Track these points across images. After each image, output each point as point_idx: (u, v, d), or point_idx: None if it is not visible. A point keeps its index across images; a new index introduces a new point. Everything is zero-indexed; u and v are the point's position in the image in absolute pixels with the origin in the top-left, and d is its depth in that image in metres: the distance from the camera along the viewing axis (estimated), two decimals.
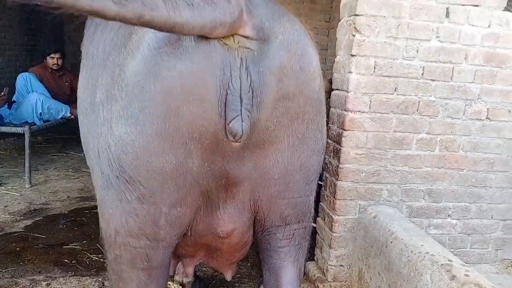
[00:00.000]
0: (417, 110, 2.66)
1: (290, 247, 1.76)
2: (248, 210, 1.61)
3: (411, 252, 2.17)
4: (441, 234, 2.87)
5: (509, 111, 2.76)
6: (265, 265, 1.83)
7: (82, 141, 1.76)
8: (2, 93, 5.60)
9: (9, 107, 5.68)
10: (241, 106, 1.32)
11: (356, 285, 2.74)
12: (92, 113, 1.53)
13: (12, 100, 5.87)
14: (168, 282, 2.44)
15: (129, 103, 1.32)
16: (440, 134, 2.72)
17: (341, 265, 2.83)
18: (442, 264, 1.98)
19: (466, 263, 2.85)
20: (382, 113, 2.63)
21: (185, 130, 1.32)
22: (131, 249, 1.49)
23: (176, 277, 2.79)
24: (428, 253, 2.11)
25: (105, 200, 1.48)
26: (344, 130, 2.62)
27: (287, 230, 1.71)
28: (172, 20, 1.15)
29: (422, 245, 2.19)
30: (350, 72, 2.55)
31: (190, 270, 2.08)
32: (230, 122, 1.33)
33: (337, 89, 2.72)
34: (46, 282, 2.98)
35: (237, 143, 1.38)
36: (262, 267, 1.87)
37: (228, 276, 2.11)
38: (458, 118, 2.72)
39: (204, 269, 3.26)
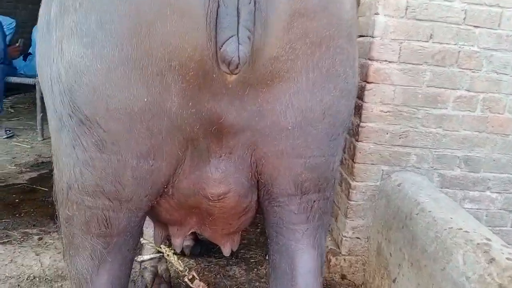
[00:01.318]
0: (456, 62, 2.29)
1: (308, 225, 1.39)
2: (248, 169, 1.28)
3: (441, 227, 1.83)
4: (478, 209, 2.52)
5: None
6: (274, 245, 1.46)
7: (37, 71, 1.46)
8: (17, 44, 5.45)
9: (25, 59, 5.57)
10: (238, 22, 0.98)
11: (374, 260, 2.42)
12: (47, 33, 1.21)
13: (28, 52, 5.76)
14: (161, 245, 2.17)
15: (84, 16, 1.00)
16: (483, 92, 2.34)
17: (358, 238, 2.53)
18: (478, 244, 1.64)
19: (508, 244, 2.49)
20: (413, 64, 2.27)
21: (160, 55, 0.99)
22: (85, 209, 1.20)
23: None
24: (461, 229, 1.76)
25: (58, 146, 1.19)
26: (368, 82, 2.28)
27: (304, 201, 1.34)
28: None
29: (453, 220, 1.84)
30: (377, 14, 2.19)
31: (178, 242, 1.71)
32: (222, 44, 0.99)
33: (360, 35, 2.34)
34: (38, 236, 2.84)
35: (233, 76, 1.04)
36: (269, 246, 1.50)
37: (226, 251, 1.75)
38: (506, 74, 2.32)
39: None
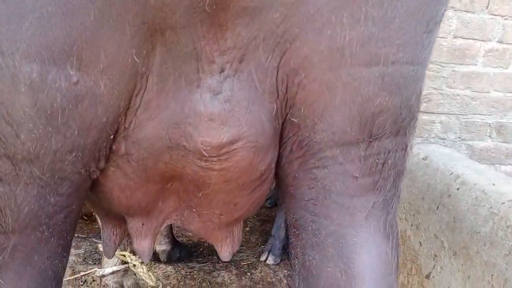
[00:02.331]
0: (487, 7, 1.93)
1: (376, 196, 0.79)
2: (272, 95, 0.71)
3: (496, 200, 1.41)
4: None
5: None
6: (309, 237, 0.85)
7: None
8: None
9: None
10: None
11: None
12: None
13: None
14: (122, 253, 1.66)
15: None
16: None
17: None
18: None
19: None
20: None
21: None
22: None
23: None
24: None
25: None
26: None
27: (373, 153, 0.77)
28: None
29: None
30: None
31: (146, 246, 1.03)
32: None
33: None
34: None
35: None
36: (295, 240, 0.91)
37: (224, 254, 1.09)
38: None
39: (189, 233, 2.51)
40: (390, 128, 0.74)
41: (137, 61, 0.62)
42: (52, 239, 0.73)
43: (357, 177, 0.77)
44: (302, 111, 0.72)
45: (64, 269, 0.84)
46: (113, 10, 0.57)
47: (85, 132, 0.65)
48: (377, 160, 0.76)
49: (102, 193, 0.84)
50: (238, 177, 0.80)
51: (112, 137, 0.70)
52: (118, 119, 0.68)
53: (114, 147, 0.73)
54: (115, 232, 1.15)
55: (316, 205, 0.82)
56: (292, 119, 0.74)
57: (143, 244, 1.02)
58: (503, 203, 1.39)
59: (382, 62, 0.67)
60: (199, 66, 0.67)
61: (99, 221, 1.23)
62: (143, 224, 0.99)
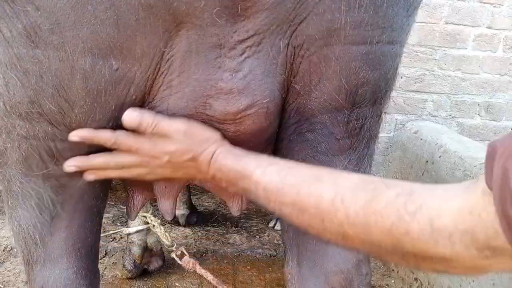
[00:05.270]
0: None
1: (352, 154, 0.95)
2: (282, 68, 0.84)
3: (469, 164, 1.61)
4: None
5: None
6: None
7: None
8: None
9: None
10: None
11: None
12: None
13: None
14: (144, 214, 1.89)
15: None
16: (506, 29, 2.14)
17: None
18: None
19: None
20: None
21: None
22: (19, 141, 0.83)
23: None
24: None
25: None
26: None
27: (353, 119, 0.93)
28: None
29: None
30: None
31: (168, 206, 1.14)
32: None
33: None
34: None
35: None
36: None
37: (234, 208, 1.21)
38: None
39: (206, 203, 2.77)
40: (369, 97, 0.89)
41: (164, 50, 0.76)
42: (97, 184, 0.92)
43: (339, 138, 0.91)
44: (303, 80, 0.85)
45: (104, 208, 1.05)
46: (151, 16, 0.72)
47: (119, 107, 0.80)
48: (356, 125, 0.91)
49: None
50: (249, 139, 0.90)
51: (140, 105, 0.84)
52: (144, 97, 0.82)
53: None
54: (138, 198, 1.27)
55: (303, 162, 0.92)
56: (295, 85, 0.86)
57: (167, 204, 1.14)
58: (475, 166, 1.59)
59: (369, 42, 0.81)
60: (222, 52, 0.77)
61: (125, 188, 1.41)
62: (165, 187, 1.11)
